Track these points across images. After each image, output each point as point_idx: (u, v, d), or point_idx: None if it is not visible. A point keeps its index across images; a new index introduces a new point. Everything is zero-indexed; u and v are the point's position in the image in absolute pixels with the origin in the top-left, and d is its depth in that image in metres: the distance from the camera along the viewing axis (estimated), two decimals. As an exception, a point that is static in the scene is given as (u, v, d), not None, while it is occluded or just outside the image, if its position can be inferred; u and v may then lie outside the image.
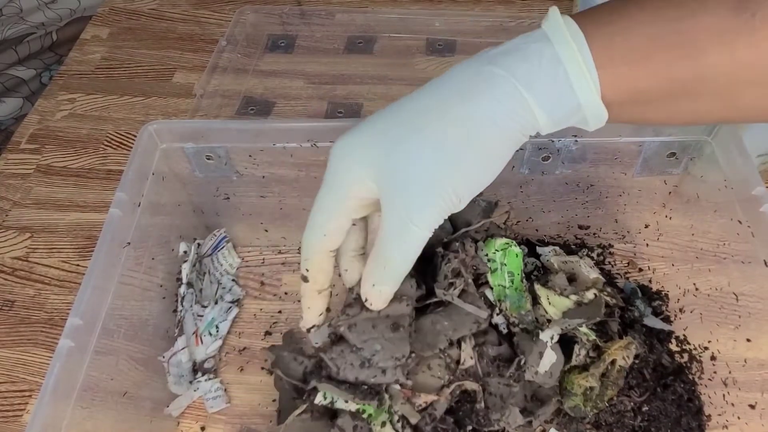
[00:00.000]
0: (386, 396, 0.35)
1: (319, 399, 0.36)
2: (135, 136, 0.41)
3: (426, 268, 0.41)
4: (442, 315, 0.37)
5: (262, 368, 0.46)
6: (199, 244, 0.47)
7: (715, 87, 0.25)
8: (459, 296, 0.38)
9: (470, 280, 0.39)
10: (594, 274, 0.42)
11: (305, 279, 0.33)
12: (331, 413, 0.36)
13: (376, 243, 0.30)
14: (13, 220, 0.55)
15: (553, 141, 0.41)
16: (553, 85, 0.26)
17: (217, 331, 0.46)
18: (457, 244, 0.39)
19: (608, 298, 0.41)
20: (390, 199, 0.29)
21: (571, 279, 0.42)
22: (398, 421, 0.35)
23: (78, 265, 0.52)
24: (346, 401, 0.35)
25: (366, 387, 0.35)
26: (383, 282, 0.31)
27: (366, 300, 0.32)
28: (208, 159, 0.43)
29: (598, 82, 0.26)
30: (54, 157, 0.60)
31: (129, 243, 0.37)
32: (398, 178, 0.28)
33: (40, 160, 0.60)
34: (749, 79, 0.24)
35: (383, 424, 0.35)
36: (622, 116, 0.28)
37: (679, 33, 0.24)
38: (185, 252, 0.45)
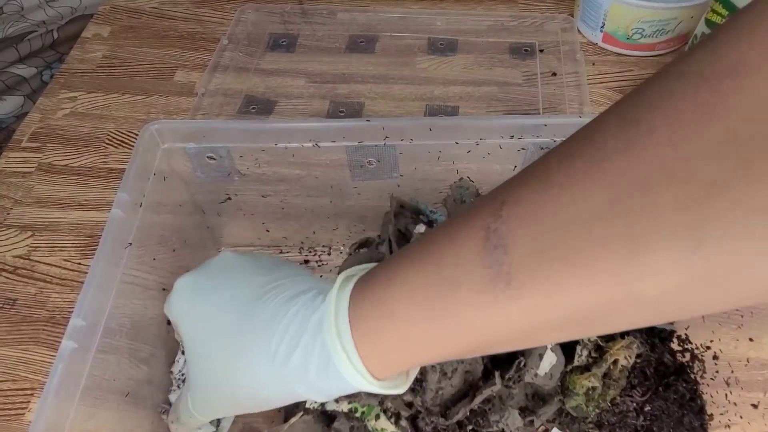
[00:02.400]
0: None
1: (310, 402, 0.36)
2: (136, 135, 0.41)
3: None
4: None
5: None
6: None
7: (501, 343, 0.24)
8: None
9: None
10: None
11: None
12: (331, 417, 0.36)
13: (182, 391, 0.35)
14: (14, 219, 0.55)
15: (555, 141, 0.41)
16: (323, 375, 0.26)
17: None
18: None
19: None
20: (187, 380, 0.33)
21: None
22: (390, 417, 0.35)
23: (79, 263, 0.52)
24: (337, 401, 0.35)
25: None
26: (178, 424, 0.35)
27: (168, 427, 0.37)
28: (210, 159, 0.43)
29: (365, 370, 0.25)
30: (55, 155, 0.60)
31: (131, 243, 0.37)
32: (192, 369, 0.31)
33: (42, 159, 0.60)
34: (530, 331, 0.22)
35: (377, 417, 0.35)
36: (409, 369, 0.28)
37: (439, 310, 0.23)
38: None
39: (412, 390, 0.36)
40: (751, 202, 0.16)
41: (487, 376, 0.37)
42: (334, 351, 0.25)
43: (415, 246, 0.25)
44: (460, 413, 0.35)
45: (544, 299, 0.20)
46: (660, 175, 0.18)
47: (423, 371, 0.36)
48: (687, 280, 0.18)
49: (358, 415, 0.35)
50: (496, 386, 0.35)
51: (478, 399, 0.35)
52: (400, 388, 0.27)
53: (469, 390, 0.36)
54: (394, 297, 0.24)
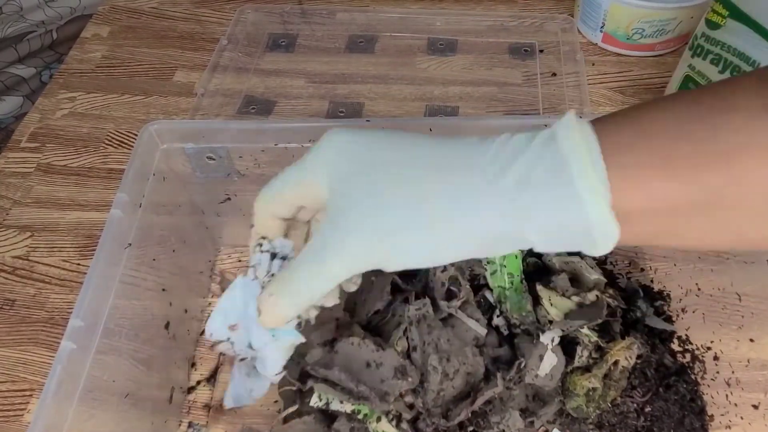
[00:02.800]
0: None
1: (314, 401, 0.36)
2: (135, 135, 0.41)
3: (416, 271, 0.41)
4: (445, 328, 0.37)
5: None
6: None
7: (752, 200, 0.22)
8: (459, 307, 0.38)
9: (467, 286, 0.39)
10: (596, 274, 0.42)
11: (251, 234, 0.32)
12: (332, 418, 0.36)
13: (297, 257, 0.28)
14: (13, 219, 0.55)
15: (555, 141, 0.41)
16: (556, 201, 0.23)
17: None
18: None
19: (610, 300, 0.41)
20: (328, 224, 0.27)
21: (573, 279, 0.42)
22: (392, 420, 0.35)
23: (79, 264, 0.52)
24: (341, 402, 0.35)
25: (370, 392, 0.35)
26: (280, 297, 0.28)
27: (258, 309, 0.29)
28: (209, 159, 0.42)
29: (608, 192, 0.22)
30: (54, 155, 0.60)
31: (130, 244, 0.37)
32: (344, 212, 0.26)
33: (41, 159, 0.60)
34: None
35: (378, 419, 0.35)
36: (640, 234, 0.24)
37: (708, 132, 0.21)
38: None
39: (414, 391, 0.36)
40: None
41: (488, 378, 0.37)
42: (575, 161, 0.22)
43: (671, 96, 0.24)
44: (462, 414, 0.35)
45: None
46: None
47: (425, 372, 0.36)
48: None
49: (360, 416, 0.35)
50: (498, 387, 0.35)
51: (480, 400, 0.35)
52: (613, 238, 0.23)
53: (470, 391, 0.36)
54: (653, 120, 0.22)
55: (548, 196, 0.23)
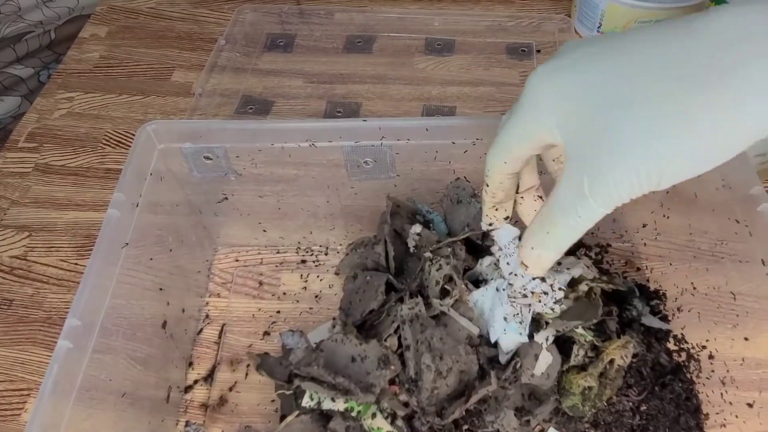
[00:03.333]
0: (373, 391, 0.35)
1: (306, 401, 0.36)
2: (133, 135, 0.41)
3: (410, 268, 0.41)
4: (437, 326, 0.38)
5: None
6: None
7: None
8: (452, 306, 0.38)
9: (462, 285, 0.39)
10: (592, 273, 0.42)
11: (485, 191, 0.32)
12: (327, 417, 0.36)
13: (548, 202, 0.27)
14: (11, 219, 0.55)
15: (551, 141, 0.41)
16: None
17: None
18: (448, 249, 0.39)
19: (603, 285, 0.41)
20: (576, 162, 0.25)
21: (572, 282, 0.42)
22: (387, 418, 0.36)
23: (76, 263, 0.52)
24: (333, 400, 0.35)
25: (350, 384, 0.35)
26: (543, 247, 0.28)
27: (521, 262, 0.30)
28: (207, 159, 0.43)
29: None
30: (52, 155, 0.60)
31: (127, 243, 0.37)
32: (594, 144, 0.24)
33: (39, 159, 0.60)
34: None
35: (373, 415, 0.36)
36: None
37: None
38: None
39: (408, 390, 0.36)
40: None
41: (482, 376, 0.37)
42: None
43: None
44: (456, 413, 0.35)
45: None
46: None
47: (418, 371, 0.36)
48: None
49: (354, 414, 0.35)
50: (492, 386, 0.35)
51: (474, 399, 0.35)
52: None
53: (464, 390, 0.36)
54: None
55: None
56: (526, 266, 0.30)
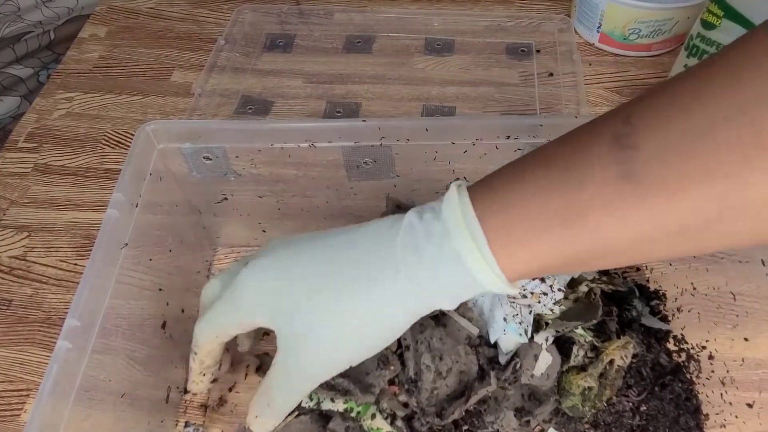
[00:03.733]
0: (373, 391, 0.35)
1: (305, 401, 0.36)
2: (133, 135, 0.41)
3: None
4: (437, 327, 0.37)
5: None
6: None
7: (618, 250, 0.25)
8: None
9: None
10: (592, 274, 0.42)
11: (192, 359, 0.36)
12: (327, 418, 0.36)
13: (266, 378, 0.32)
14: (10, 219, 0.55)
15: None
16: (455, 279, 0.26)
17: None
18: None
19: (603, 286, 0.41)
20: (285, 348, 0.31)
21: (571, 283, 0.42)
22: (386, 418, 0.36)
23: (76, 264, 0.52)
24: (332, 400, 0.35)
25: (349, 384, 0.35)
26: (266, 416, 0.33)
27: (247, 427, 0.34)
28: (206, 159, 0.43)
29: (499, 270, 0.26)
30: (52, 156, 0.60)
31: (127, 244, 0.37)
32: (298, 336, 0.30)
33: (38, 159, 0.60)
34: (649, 239, 0.23)
35: (373, 416, 0.36)
36: (534, 276, 0.29)
37: (570, 208, 0.24)
38: None
39: (408, 390, 0.36)
40: None
41: (482, 377, 0.37)
42: (466, 251, 0.25)
43: (537, 151, 0.26)
44: (456, 413, 0.35)
45: (668, 203, 0.22)
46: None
47: (418, 371, 0.36)
48: None
49: (353, 415, 0.35)
50: (492, 386, 0.35)
51: (474, 399, 0.35)
52: (514, 288, 0.27)
53: (464, 390, 0.36)
54: (521, 196, 0.25)
55: (456, 285, 0.27)
56: (252, 431, 0.34)
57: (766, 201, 0.21)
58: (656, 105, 0.23)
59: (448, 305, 0.28)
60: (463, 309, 0.38)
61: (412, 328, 0.36)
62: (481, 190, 0.26)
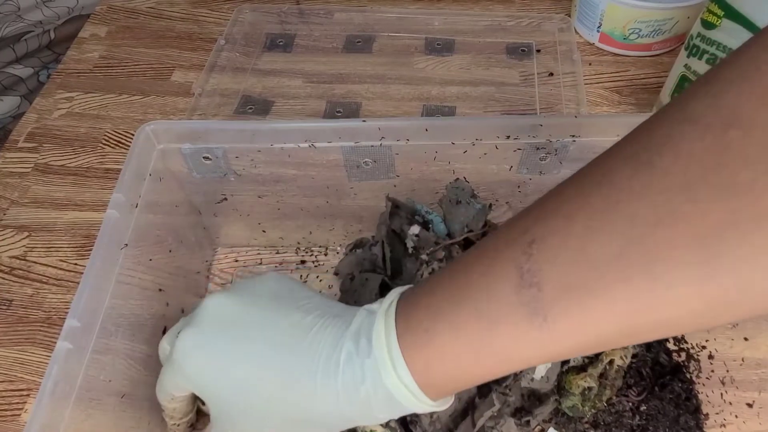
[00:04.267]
0: None
1: None
2: (133, 135, 0.41)
3: (408, 269, 0.41)
4: None
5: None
6: None
7: (533, 365, 0.26)
8: None
9: None
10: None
11: (164, 414, 0.38)
12: None
13: None
14: (10, 219, 0.55)
15: (551, 141, 0.41)
16: (387, 409, 0.28)
17: None
18: (443, 252, 0.39)
19: None
20: (215, 420, 0.32)
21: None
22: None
23: (76, 264, 0.52)
24: None
25: None
26: None
27: None
28: (206, 159, 0.43)
29: (426, 398, 0.27)
30: (52, 155, 0.60)
31: (127, 244, 0.37)
32: (221, 419, 0.31)
33: (38, 159, 0.60)
34: (564, 355, 0.25)
35: None
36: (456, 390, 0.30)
37: (484, 349, 0.25)
38: None
39: (411, 421, 0.36)
40: (757, 240, 0.19)
41: (481, 390, 0.37)
42: (386, 374, 0.26)
43: (452, 279, 0.26)
44: None
45: (576, 330, 0.23)
46: (674, 216, 0.20)
47: None
48: (702, 307, 0.20)
49: None
50: (496, 406, 0.35)
51: (480, 422, 0.35)
52: (446, 404, 0.29)
53: (466, 408, 0.36)
54: (436, 329, 0.26)
55: (392, 413, 0.28)
56: None
57: (672, 318, 0.21)
58: (553, 232, 0.23)
59: (371, 422, 0.29)
60: None
61: None
62: (404, 309, 0.28)
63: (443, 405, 0.29)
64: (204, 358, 0.31)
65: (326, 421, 0.29)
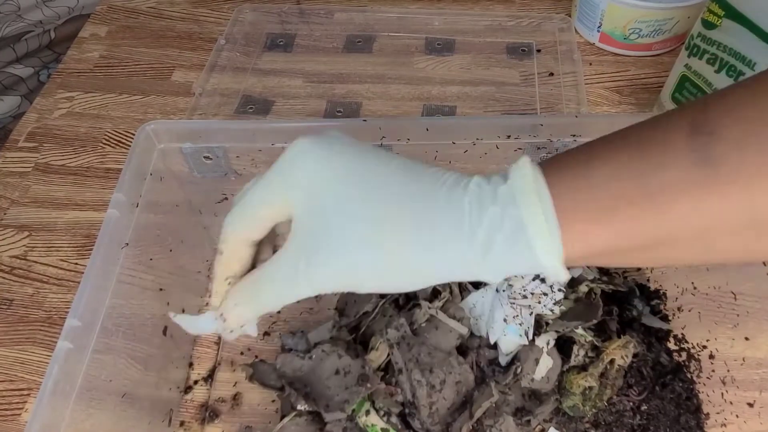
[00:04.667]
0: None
1: (301, 404, 0.36)
2: (133, 135, 0.41)
3: None
4: (424, 344, 0.38)
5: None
6: None
7: (686, 238, 0.24)
8: (442, 307, 0.38)
9: (455, 288, 0.39)
10: (592, 274, 0.42)
11: (218, 261, 0.30)
12: (323, 419, 0.36)
13: (263, 267, 0.29)
14: (11, 219, 0.55)
15: (551, 141, 0.41)
16: (512, 247, 0.25)
17: None
18: None
19: (603, 286, 0.41)
20: (300, 242, 0.27)
21: (572, 283, 0.42)
22: (383, 417, 0.36)
23: (76, 263, 0.52)
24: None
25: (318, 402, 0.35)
26: (246, 306, 0.29)
27: (221, 315, 0.30)
28: (206, 159, 0.42)
29: (562, 248, 0.24)
30: (52, 155, 0.60)
31: (127, 244, 0.37)
32: (320, 234, 0.27)
33: (39, 159, 0.60)
34: (719, 228, 0.23)
35: (367, 412, 0.36)
36: (587, 263, 0.28)
37: (642, 188, 0.23)
38: None
39: (409, 414, 0.36)
40: None
41: (482, 379, 0.37)
42: (531, 219, 0.24)
43: (610, 136, 0.25)
44: (463, 429, 0.35)
45: (743, 191, 0.22)
46: None
47: (414, 392, 0.36)
48: None
49: (348, 413, 0.35)
50: (494, 397, 0.35)
51: (478, 413, 0.35)
52: (565, 276, 0.26)
53: (465, 401, 0.36)
54: (592, 174, 0.24)
55: (509, 254, 0.25)
56: (225, 319, 0.30)
57: None
58: (736, 96, 0.23)
59: (491, 276, 0.26)
60: (453, 309, 0.38)
61: (402, 350, 0.36)
62: (551, 165, 0.25)
63: (562, 275, 0.25)
64: (329, 168, 0.27)
65: (433, 259, 0.26)
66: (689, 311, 0.47)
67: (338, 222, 0.26)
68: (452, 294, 0.39)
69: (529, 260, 0.25)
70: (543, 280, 0.38)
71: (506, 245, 0.25)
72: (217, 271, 0.31)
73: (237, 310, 0.29)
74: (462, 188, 0.26)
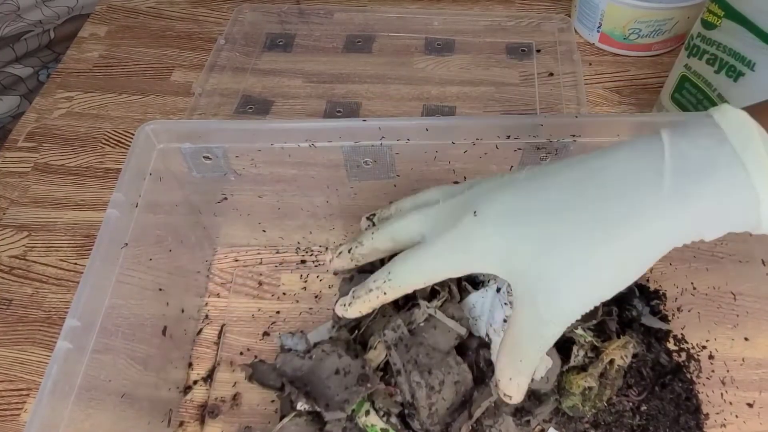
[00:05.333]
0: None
1: (301, 404, 0.36)
2: (133, 135, 0.41)
3: None
4: (422, 344, 0.38)
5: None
6: None
7: None
8: (440, 307, 0.38)
9: (454, 288, 0.39)
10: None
11: (376, 300, 0.33)
12: (323, 419, 0.36)
13: (510, 334, 0.30)
14: (10, 219, 0.55)
15: (551, 141, 0.41)
16: (740, 214, 0.24)
17: None
18: None
19: None
20: (531, 297, 0.28)
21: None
22: (383, 417, 0.36)
23: (76, 263, 0.52)
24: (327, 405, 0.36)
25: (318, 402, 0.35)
26: (520, 375, 0.31)
27: (504, 394, 0.31)
28: (206, 159, 0.42)
29: None
30: (52, 155, 0.60)
31: (127, 244, 0.37)
32: (546, 283, 0.28)
33: (38, 159, 0.60)
34: None
35: (367, 413, 0.36)
36: None
37: None
38: None
39: (409, 415, 0.36)
40: None
41: (482, 379, 0.37)
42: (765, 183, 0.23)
43: None
44: (463, 429, 0.35)
45: None
46: None
47: (413, 393, 0.36)
48: None
49: (348, 413, 0.35)
50: (494, 396, 0.35)
51: (477, 413, 0.35)
52: None
53: (464, 401, 0.36)
54: None
55: (732, 214, 0.25)
56: (510, 396, 0.31)
57: None
58: None
59: (712, 236, 0.26)
60: (452, 309, 0.38)
61: (400, 351, 0.36)
62: (759, 112, 0.25)
63: None
64: (512, 227, 0.28)
65: (652, 246, 0.26)
66: (689, 311, 0.47)
67: (548, 264, 0.27)
68: (451, 294, 0.39)
69: (752, 222, 0.24)
70: None
71: (734, 209, 0.24)
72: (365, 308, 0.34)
73: (514, 382, 0.31)
74: (657, 165, 0.25)
